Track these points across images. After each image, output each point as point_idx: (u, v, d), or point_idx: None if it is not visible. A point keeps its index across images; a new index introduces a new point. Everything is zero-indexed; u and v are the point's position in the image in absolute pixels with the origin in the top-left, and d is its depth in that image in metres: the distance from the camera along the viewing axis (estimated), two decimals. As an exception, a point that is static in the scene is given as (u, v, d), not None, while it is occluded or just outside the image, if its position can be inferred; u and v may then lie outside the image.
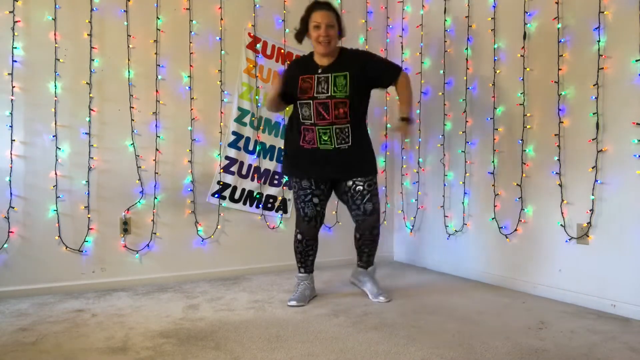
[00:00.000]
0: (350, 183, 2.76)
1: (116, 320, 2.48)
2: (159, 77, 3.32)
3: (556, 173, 2.85)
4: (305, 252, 2.86)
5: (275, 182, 3.71)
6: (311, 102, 2.67)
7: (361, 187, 2.74)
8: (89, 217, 3.13)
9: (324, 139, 2.69)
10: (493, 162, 3.24)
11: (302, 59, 2.88)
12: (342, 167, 2.73)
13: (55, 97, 3.05)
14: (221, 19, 3.50)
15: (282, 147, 2.78)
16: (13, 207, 2.95)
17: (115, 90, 3.20)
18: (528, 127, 3.02)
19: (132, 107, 3.24)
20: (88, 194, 3.12)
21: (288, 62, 3.71)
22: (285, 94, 2.77)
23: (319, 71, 2.70)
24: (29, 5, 2.99)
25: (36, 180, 3.01)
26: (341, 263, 3.83)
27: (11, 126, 2.94)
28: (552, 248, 2.88)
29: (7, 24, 2.93)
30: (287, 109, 3.08)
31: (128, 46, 3.23)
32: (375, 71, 2.76)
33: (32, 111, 3.00)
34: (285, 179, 3.72)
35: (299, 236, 2.84)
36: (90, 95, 3.14)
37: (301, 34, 2.78)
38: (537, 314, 2.58)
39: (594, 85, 2.66)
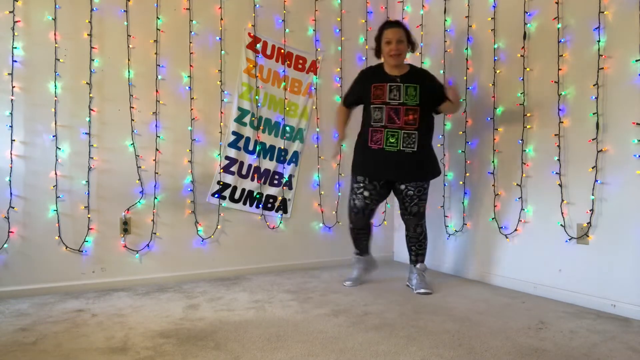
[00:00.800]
0: (403, 187, 3.02)
1: (116, 320, 2.48)
2: (159, 77, 3.32)
3: (556, 173, 2.85)
4: (358, 238, 3.23)
5: (275, 182, 3.72)
6: (384, 106, 2.95)
7: (412, 192, 3.01)
8: (89, 217, 3.13)
9: (391, 141, 2.93)
10: (493, 162, 3.24)
11: (371, 69, 3.13)
12: (399, 170, 2.98)
13: (55, 97, 3.05)
14: (221, 19, 3.50)
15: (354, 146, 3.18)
16: (13, 207, 2.95)
17: (115, 90, 3.20)
18: (528, 127, 3.02)
19: (132, 107, 3.24)
20: (88, 194, 3.12)
21: (288, 62, 3.73)
22: (353, 101, 3.15)
23: (391, 80, 2.96)
24: (29, 5, 2.99)
25: (36, 180, 3.01)
26: (341, 263, 3.83)
27: (11, 126, 2.94)
28: (552, 248, 2.88)
29: (7, 24, 2.93)
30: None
31: (128, 46, 3.23)
32: (436, 90, 3.01)
33: (32, 111, 3.00)
34: (285, 179, 3.73)
35: (350, 225, 3.19)
36: (90, 95, 3.14)
37: (378, 50, 3.08)
38: (537, 314, 2.58)
39: (594, 85, 2.66)
